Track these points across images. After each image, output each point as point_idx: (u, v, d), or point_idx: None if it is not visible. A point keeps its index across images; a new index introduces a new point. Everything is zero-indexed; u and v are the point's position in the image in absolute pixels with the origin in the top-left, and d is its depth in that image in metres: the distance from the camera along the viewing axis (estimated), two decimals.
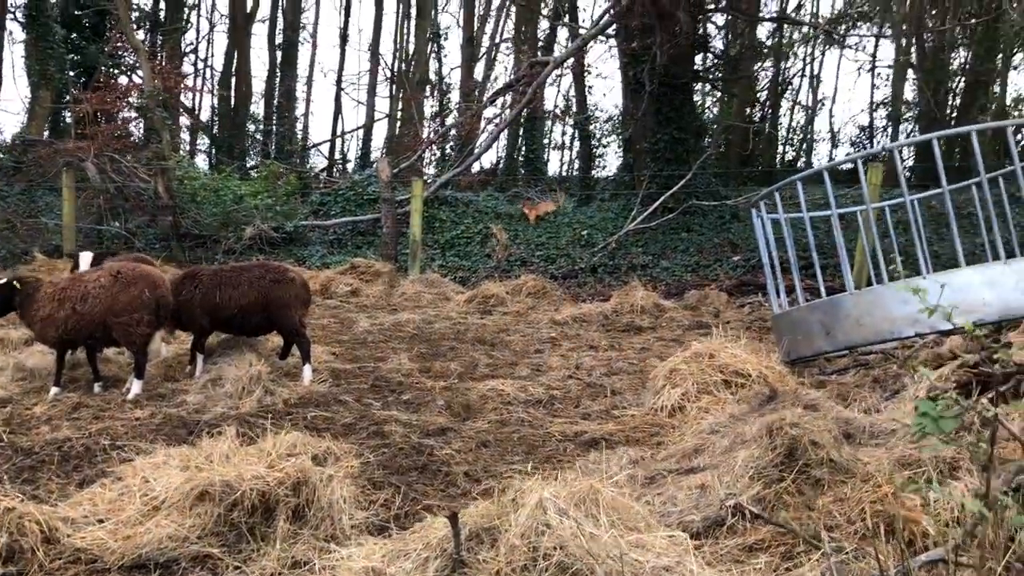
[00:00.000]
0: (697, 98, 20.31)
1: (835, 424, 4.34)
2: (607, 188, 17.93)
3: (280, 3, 36.97)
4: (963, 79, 26.71)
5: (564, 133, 34.06)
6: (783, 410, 4.41)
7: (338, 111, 38.24)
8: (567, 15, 19.90)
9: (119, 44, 21.40)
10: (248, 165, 30.12)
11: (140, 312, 6.38)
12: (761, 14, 16.83)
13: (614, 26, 15.76)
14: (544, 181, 20.21)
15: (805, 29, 19.72)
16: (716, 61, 16.78)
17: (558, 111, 24.08)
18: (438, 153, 21.23)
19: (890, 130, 29.79)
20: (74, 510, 4.23)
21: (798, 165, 29.65)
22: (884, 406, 5.62)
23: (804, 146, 30.31)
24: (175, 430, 5.62)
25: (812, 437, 4.06)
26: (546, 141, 29.48)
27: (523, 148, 25.45)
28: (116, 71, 25.49)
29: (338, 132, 38.10)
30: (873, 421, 4.59)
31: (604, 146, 22.90)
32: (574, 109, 22.55)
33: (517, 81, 15.99)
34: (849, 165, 15.41)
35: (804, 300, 8.57)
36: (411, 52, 35.12)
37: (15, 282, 6.50)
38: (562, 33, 23.97)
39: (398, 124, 33.49)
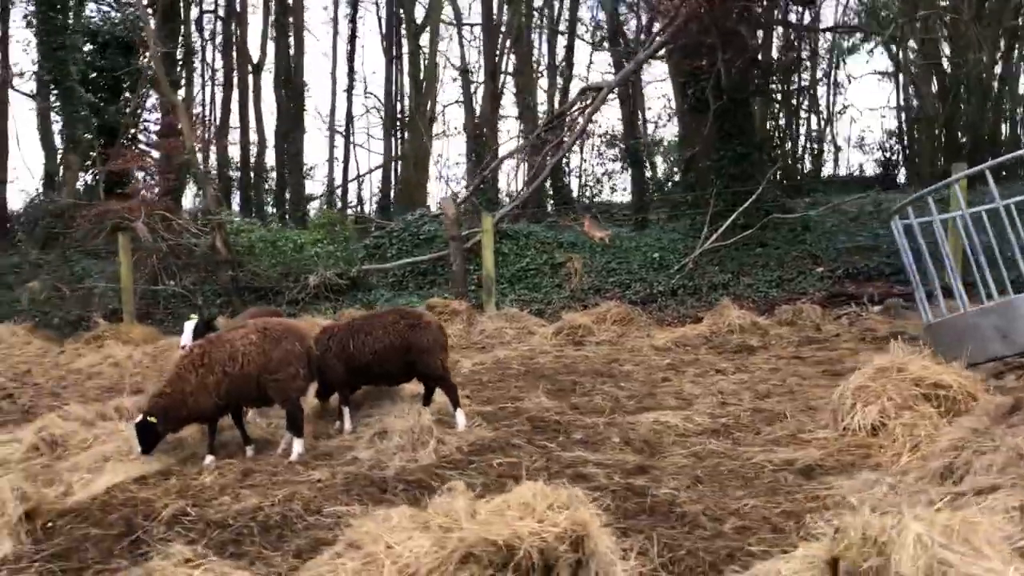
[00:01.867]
0: None
1: None
2: (662, 209, 17.72)
3: (288, 52, 37.06)
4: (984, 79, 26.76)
5: (584, 159, 34.03)
6: None
7: (348, 155, 38.29)
8: (608, 40, 19.82)
9: (145, 102, 21.30)
10: (268, 214, 30.00)
11: (294, 366, 6.10)
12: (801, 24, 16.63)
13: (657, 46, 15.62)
14: (595, 208, 20.04)
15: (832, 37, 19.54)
16: (773, 73, 16.65)
17: (606, 136, 23.96)
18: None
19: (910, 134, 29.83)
20: None
21: (823, 173, 29.61)
22: None
23: (825, 153, 30.30)
24: (365, 489, 5.30)
25: None
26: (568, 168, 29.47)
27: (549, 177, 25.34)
28: (141, 128, 25.50)
29: (350, 176, 38.15)
30: None
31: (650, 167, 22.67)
32: (621, 132, 22.44)
33: (569, 108, 15.87)
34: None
35: (925, 309, 8.25)
36: (421, 90, 35.26)
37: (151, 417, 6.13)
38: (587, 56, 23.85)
39: (412, 163, 33.51)
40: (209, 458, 6.12)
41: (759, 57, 14.56)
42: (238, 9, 35.43)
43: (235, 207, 32.48)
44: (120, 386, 10.36)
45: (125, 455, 6.33)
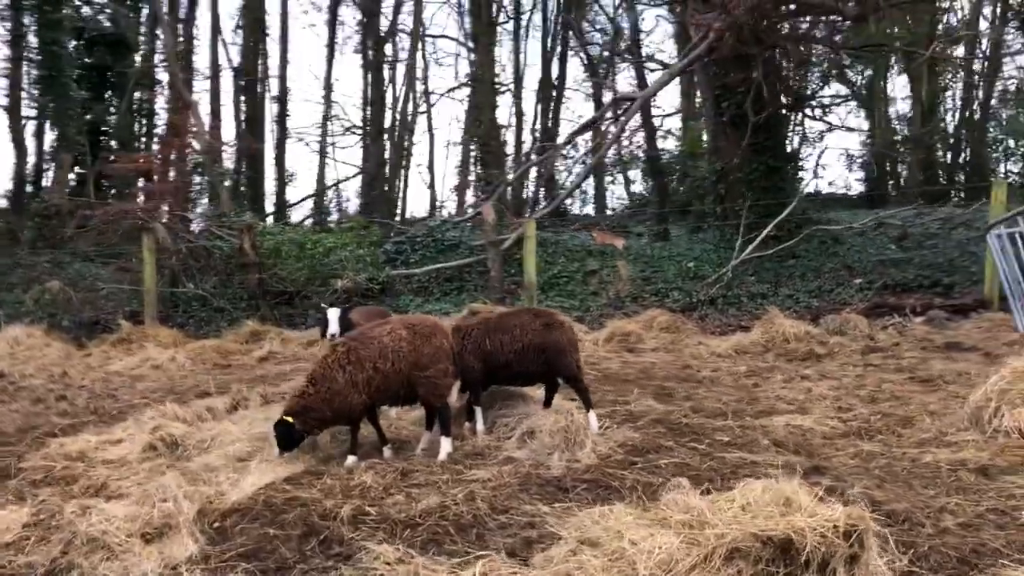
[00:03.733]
0: None
1: None
2: (677, 220, 17.88)
3: (256, 58, 36.70)
4: None
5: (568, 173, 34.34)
6: None
7: (323, 163, 37.85)
8: (626, 52, 19.94)
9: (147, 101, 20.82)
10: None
11: (444, 363, 5.99)
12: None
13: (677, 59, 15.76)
14: (608, 218, 20.13)
15: None
16: (800, 90, 16.91)
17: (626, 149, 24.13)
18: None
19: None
20: None
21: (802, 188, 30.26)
22: None
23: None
24: (544, 489, 5.21)
25: None
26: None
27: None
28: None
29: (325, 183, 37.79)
30: None
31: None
32: (643, 145, 22.62)
33: (599, 118, 15.91)
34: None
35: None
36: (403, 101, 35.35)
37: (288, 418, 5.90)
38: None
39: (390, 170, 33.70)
40: (351, 458, 5.95)
41: (793, 73, 14.79)
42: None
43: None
44: (177, 388, 10.10)
45: (262, 456, 6.14)
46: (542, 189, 25.62)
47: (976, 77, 28.51)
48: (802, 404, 7.55)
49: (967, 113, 29.47)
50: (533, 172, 24.69)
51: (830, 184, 30.65)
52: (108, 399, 9.50)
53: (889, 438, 6.26)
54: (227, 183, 17.81)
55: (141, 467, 6.19)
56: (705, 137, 28.75)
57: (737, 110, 14.61)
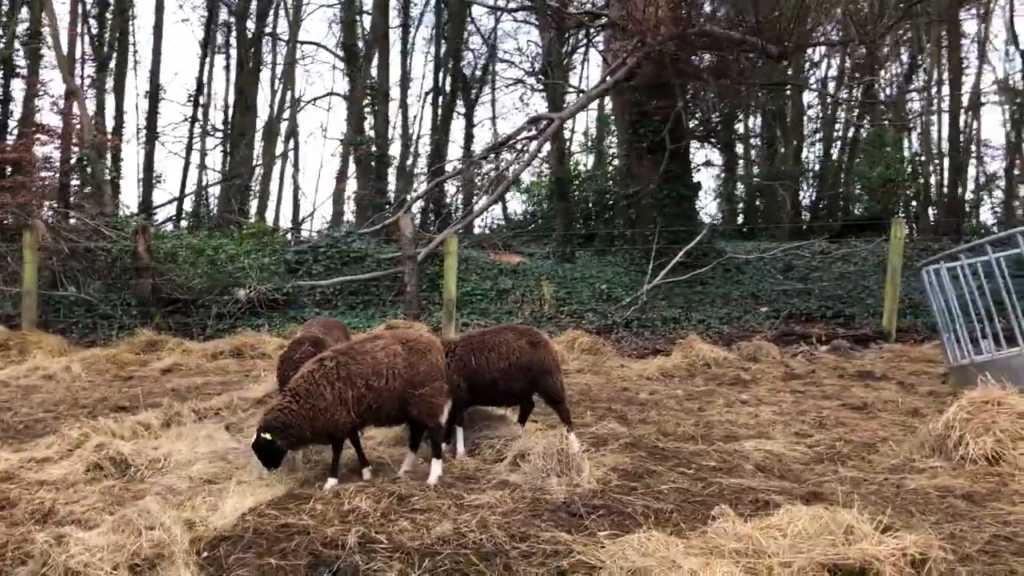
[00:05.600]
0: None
1: None
2: (584, 243, 18.08)
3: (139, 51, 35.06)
4: None
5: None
6: None
7: (187, 164, 36.19)
8: (542, 74, 20.06)
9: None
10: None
11: (440, 381, 5.73)
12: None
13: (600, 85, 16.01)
14: (508, 237, 20.10)
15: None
16: (713, 120, 17.48)
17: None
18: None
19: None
20: None
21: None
22: None
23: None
24: (555, 515, 5.02)
25: None
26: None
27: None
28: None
29: (190, 186, 36.09)
30: None
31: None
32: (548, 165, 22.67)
33: (516, 135, 15.89)
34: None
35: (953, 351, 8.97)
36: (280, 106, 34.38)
37: (266, 434, 5.47)
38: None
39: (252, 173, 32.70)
40: (332, 480, 5.58)
41: (720, 105, 15.31)
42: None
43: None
44: (82, 401, 9.26)
45: (237, 477, 5.67)
46: (431, 204, 25.40)
47: (836, 125, 30.54)
48: (758, 429, 7.67)
49: (829, 155, 31.50)
50: (423, 187, 24.56)
51: (710, 217, 32.00)
52: (6, 412, 8.58)
53: (861, 464, 6.42)
54: (109, 179, 16.56)
55: (88, 489, 5.58)
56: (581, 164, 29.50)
57: (654, 137, 14.98)
